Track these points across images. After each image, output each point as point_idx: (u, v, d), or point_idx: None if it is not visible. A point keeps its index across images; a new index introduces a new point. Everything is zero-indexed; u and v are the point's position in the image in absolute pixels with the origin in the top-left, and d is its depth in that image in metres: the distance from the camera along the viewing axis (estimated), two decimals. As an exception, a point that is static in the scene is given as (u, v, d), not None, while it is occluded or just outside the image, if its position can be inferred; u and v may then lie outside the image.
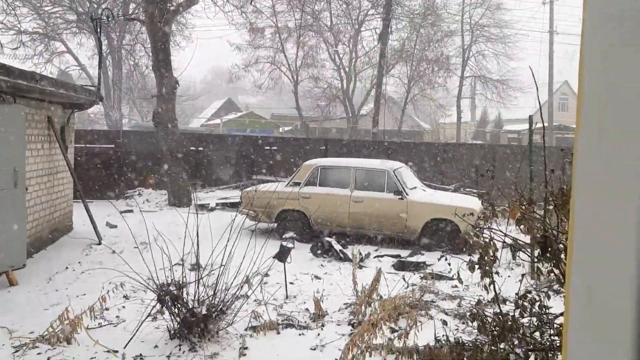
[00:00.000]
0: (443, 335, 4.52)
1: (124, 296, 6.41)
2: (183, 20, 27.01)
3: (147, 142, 16.56)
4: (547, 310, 3.57)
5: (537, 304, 3.53)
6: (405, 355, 4.71)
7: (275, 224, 10.83)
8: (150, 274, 5.39)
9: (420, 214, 10.08)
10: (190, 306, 5.40)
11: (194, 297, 5.48)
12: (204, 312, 5.36)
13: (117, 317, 6.05)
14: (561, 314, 3.66)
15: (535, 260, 3.49)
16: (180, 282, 5.43)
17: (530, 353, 3.41)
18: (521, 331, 3.41)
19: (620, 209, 0.69)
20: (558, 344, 3.38)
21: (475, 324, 3.66)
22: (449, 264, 5.70)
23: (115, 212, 9.48)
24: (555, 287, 5.24)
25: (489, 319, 3.57)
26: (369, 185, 10.54)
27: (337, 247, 9.34)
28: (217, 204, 14.41)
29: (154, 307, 5.54)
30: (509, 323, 3.34)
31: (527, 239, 3.88)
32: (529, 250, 3.96)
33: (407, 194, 10.20)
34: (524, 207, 3.44)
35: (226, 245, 5.60)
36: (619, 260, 0.69)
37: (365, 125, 32.79)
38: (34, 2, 25.68)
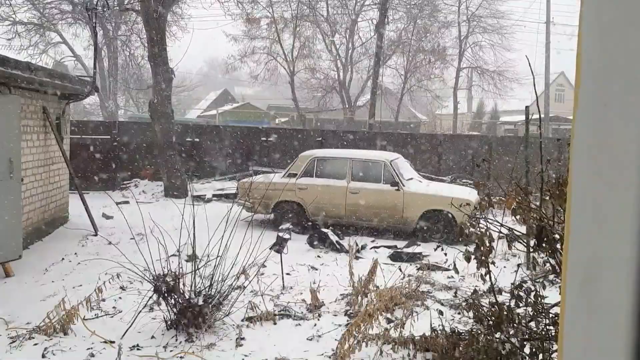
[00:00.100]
0: (439, 325, 4.54)
1: (121, 287, 6.41)
2: (179, 11, 26.85)
3: (143, 133, 16.52)
4: (542, 300, 3.58)
5: (533, 293, 3.55)
6: (401, 345, 4.74)
7: (272, 215, 10.83)
8: (147, 265, 5.39)
9: (416, 205, 10.09)
10: (187, 297, 5.41)
11: (191, 288, 5.49)
12: (200, 302, 5.37)
13: (114, 307, 6.05)
14: (556, 304, 3.68)
15: (531, 250, 3.50)
16: (177, 273, 5.43)
17: (525, 342, 3.43)
18: (517, 321, 3.43)
19: (617, 198, 0.68)
20: (553, 333, 3.40)
21: (471, 313, 3.67)
22: (445, 254, 5.72)
23: (111, 203, 9.45)
24: (551, 277, 5.26)
25: (485, 309, 3.58)
26: (365, 176, 10.54)
27: (334, 238, 9.35)
28: (213, 195, 14.41)
29: (150, 297, 5.55)
30: (505, 313, 3.35)
31: (523, 229, 3.90)
32: (524, 240, 3.97)
33: (403, 185, 10.21)
34: (520, 198, 3.45)
35: (222, 236, 5.60)
36: (616, 250, 0.69)
37: (361, 116, 32.76)
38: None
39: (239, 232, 5.82)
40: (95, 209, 10.36)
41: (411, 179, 10.74)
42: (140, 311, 5.45)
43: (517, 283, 3.65)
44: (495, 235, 3.80)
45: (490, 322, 3.44)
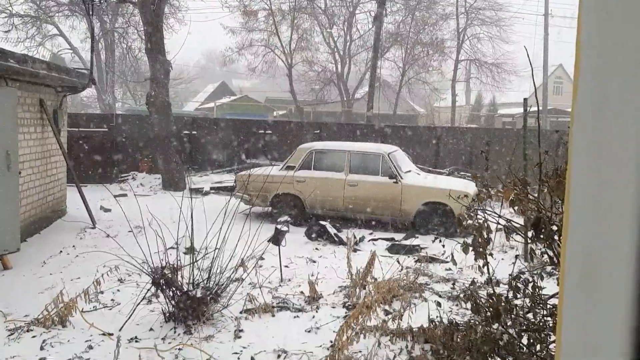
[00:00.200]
0: (437, 317, 4.56)
1: (119, 279, 6.42)
2: (176, 3, 26.79)
3: (140, 125, 16.48)
4: (540, 292, 3.59)
5: (530, 285, 3.56)
6: (399, 337, 4.75)
7: (270, 208, 10.83)
8: (145, 257, 5.39)
9: (414, 197, 10.09)
10: (185, 289, 5.42)
11: (189, 280, 5.50)
12: (198, 295, 5.38)
13: (112, 300, 6.06)
14: (554, 295, 3.69)
15: (529, 241, 3.51)
16: (175, 266, 5.44)
17: (523, 333, 3.44)
18: (514, 312, 3.44)
19: (616, 190, 0.68)
20: (551, 325, 3.42)
21: (468, 305, 3.68)
22: (443, 246, 5.73)
23: (109, 196, 9.45)
24: (548, 268, 5.28)
25: (483, 300, 3.59)
26: (363, 168, 10.54)
27: (332, 230, 9.36)
28: (211, 188, 14.40)
29: (148, 290, 5.55)
30: (503, 304, 3.36)
31: (521, 221, 3.90)
32: (522, 232, 3.97)
33: (401, 178, 10.21)
34: (518, 189, 3.45)
35: (220, 228, 5.60)
36: (615, 241, 0.68)
37: (359, 109, 32.70)
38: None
39: (237, 225, 5.82)
40: (93, 202, 10.35)
41: (409, 171, 10.75)
42: (139, 303, 5.46)
43: (514, 274, 3.66)
44: (493, 227, 3.81)
45: (488, 313, 3.45)
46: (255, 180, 9.93)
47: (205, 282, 5.53)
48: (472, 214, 3.77)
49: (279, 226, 7.25)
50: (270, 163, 14.48)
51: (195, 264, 5.54)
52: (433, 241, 4.92)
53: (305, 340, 5.13)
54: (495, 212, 3.87)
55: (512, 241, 5.73)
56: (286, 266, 7.46)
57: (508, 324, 3.40)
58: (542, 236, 3.18)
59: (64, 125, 10.81)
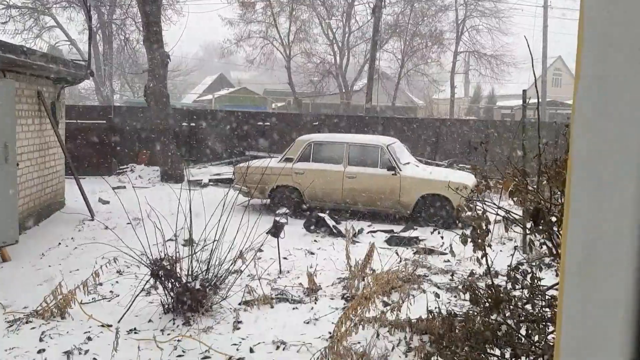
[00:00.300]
0: (435, 308, 4.56)
1: (118, 271, 6.42)
2: (174, -6, 26.67)
3: (138, 117, 16.45)
4: (538, 283, 3.60)
5: (529, 276, 3.56)
6: (398, 328, 4.76)
7: (269, 200, 10.83)
8: (144, 249, 5.39)
9: (413, 189, 10.09)
10: (184, 281, 5.42)
11: (188, 272, 5.50)
12: (197, 286, 5.38)
13: (111, 292, 6.07)
14: (553, 286, 3.69)
15: (528, 232, 3.51)
16: (174, 258, 5.44)
17: (521, 324, 3.45)
18: (513, 303, 3.44)
19: (618, 180, 0.68)
20: (549, 315, 3.42)
21: (467, 296, 3.68)
22: (442, 238, 5.73)
23: (107, 188, 9.45)
24: (547, 260, 5.28)
25: (481, 291, 3.59)
26: (362, 160, 10.53)
27: (331, 222, 9.36)
28: (210, 180, 14.38)
29: (147, 282, 5.56)
30: (501, 295, 3.36)
31: (520, 212, 3.90)
32: (521, 223, 3.97)
33: (400, 170, 10.20)
34: (517, 179, 3.45)
35: (219, 220, 5.60)
36: (616, 232, 0.68)
37: (358, 100, 32.65)
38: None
39: (236, 217, 5.82)
40: (92, 194, 10.34)
41: (408, 163, 10.74)
42: (138, 295, 5.46)
43: (513, 265, 3.66)
44: (492, 218, 3.80)
45: (487, 305, 3.45)
46: (253, 172, 9.92)
47: (204, 273, 5.53)
48: (471, 206, 3.77)
49: (277, 218, 7.26)
50: (268, 155, 14.47)
51: (194, 255, 5.55)
52: (432, 233, 4.90)
53: (304, 332, 5.14)
54: (494, 203, 3.87)
55: (511, 232, 5.73)
56: (285, 258, 7.46)
57: (507, 315, 3.41)
58: (541, 227, 3.18)
59: (62, 117, 10.79)
